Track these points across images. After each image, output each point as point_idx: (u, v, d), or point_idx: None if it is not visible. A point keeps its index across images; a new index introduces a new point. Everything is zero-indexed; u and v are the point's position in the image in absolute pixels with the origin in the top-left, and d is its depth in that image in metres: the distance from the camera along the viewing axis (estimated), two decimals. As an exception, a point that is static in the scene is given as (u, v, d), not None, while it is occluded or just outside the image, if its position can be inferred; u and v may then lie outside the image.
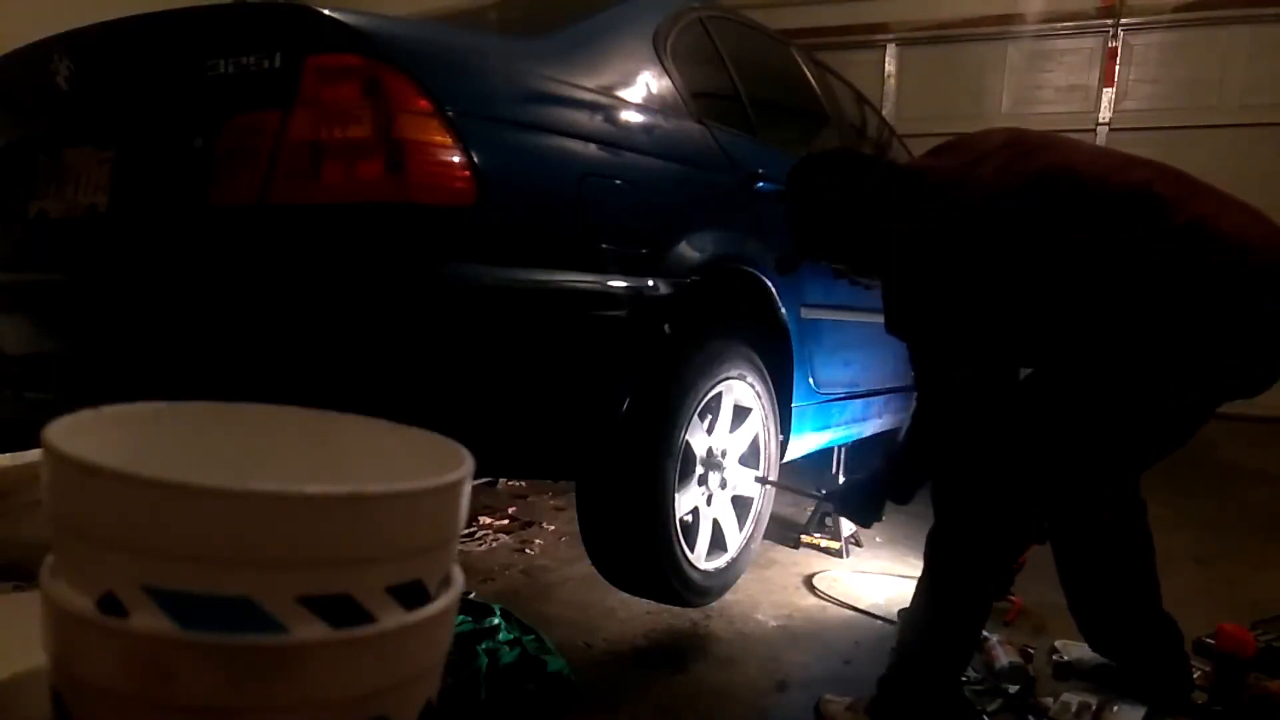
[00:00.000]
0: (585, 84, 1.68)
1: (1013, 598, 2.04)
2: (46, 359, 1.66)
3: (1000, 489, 1.38)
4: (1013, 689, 1.61)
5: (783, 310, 2.11)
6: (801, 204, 1.65)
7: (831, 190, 1.58)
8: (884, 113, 4.69)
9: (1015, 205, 1.36)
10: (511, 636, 1.52)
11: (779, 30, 2.95)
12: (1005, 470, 1.38)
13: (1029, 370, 1.48)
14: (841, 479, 2.54)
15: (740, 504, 2.13)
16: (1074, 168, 1.37)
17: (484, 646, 1.46)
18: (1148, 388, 1.31)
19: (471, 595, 1.69)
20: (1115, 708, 1.56)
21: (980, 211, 1.38)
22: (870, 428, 2.82)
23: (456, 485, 0.79)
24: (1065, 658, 1.75)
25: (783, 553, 2.50)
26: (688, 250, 1.78)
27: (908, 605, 1.52)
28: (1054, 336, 1.37)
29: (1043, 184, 1.36)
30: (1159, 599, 1.63)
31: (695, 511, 1.96)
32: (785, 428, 2.23)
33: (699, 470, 1.96)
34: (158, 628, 0.66)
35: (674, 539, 1.80)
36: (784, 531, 2.62)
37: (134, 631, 0.67)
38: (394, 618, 0.73)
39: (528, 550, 2.45)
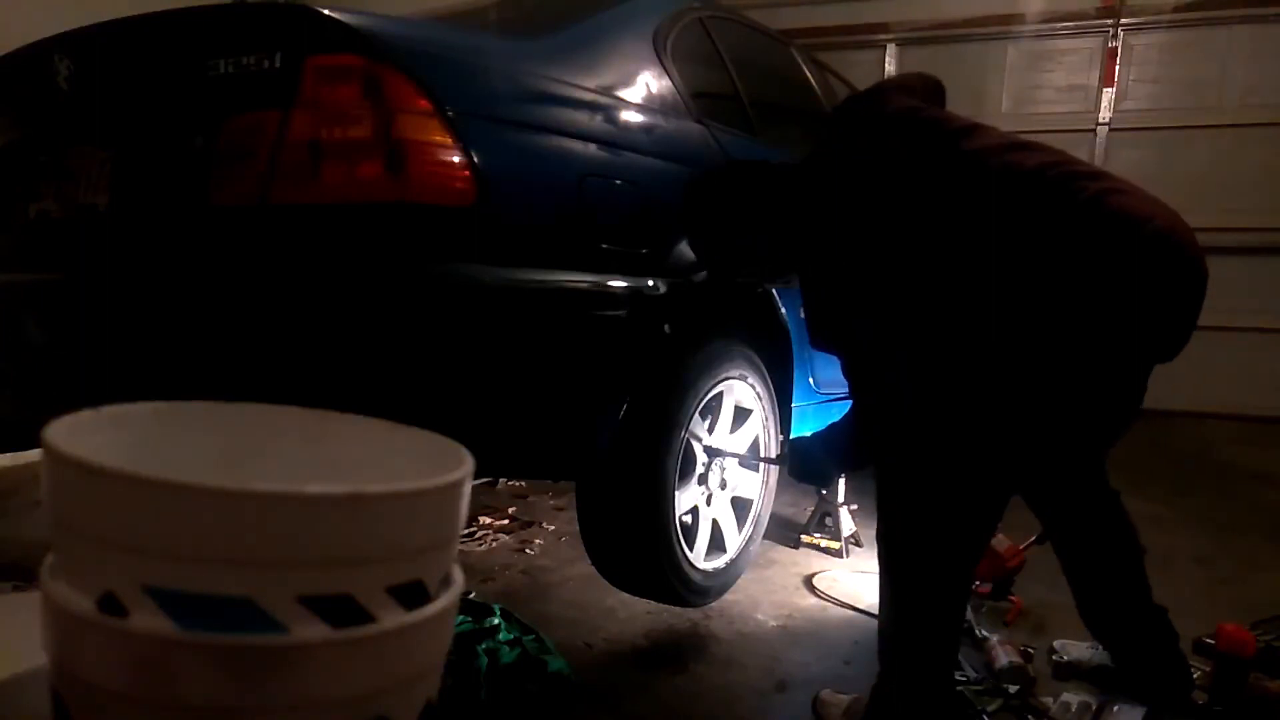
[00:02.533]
0: (585, 84, 1.68)
1: (1013, 598, 2.04)
2: (47, 359, 1.66)
3: (937, 482, 1.36)
4: (1013, 689, 1.61)
5: (782, 310, 2.12)
6: (715, 218, 1.64)
7: (750, 196, 1.59)
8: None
9: (932, 187, 1.38)
10: (511, 636, 1.52)
11: (779, 30, 2.95)
12: (942, 462, 1.36)
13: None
14: (842, 479, 2.54)
15: (740, 504, 2.13)
16: (984, 156, 1.40)
17: (484, 646, 1.46)
18: (1077, 367, 1.33)
19: (471, 595, 1.69)
20: (1115, 708, 1.56)
21: (899, 185, 1.39)
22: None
23: (456, 485, 0.79)
24: (1065, 658, 1.75)
25: (783, 553, 2.50)
26: (688, 250, 1.78)
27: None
28: (984, 318, 1.36)
29: (958, 171, 1.38)
30: (1148, 589, 1.64)
31: (695, 511, 1.96)
32: (785, 428, 2.23)
33: (699, 470, 1.96)
34: (158, 628, 0.66)
35: (674, 539, 1.80)
36: (784, 531, 2.62)
37: (134, 631, 0.67)
38: (394, 618, 0.73)
39: (528, 550, 2.45)
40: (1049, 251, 1.32)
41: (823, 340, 1.52)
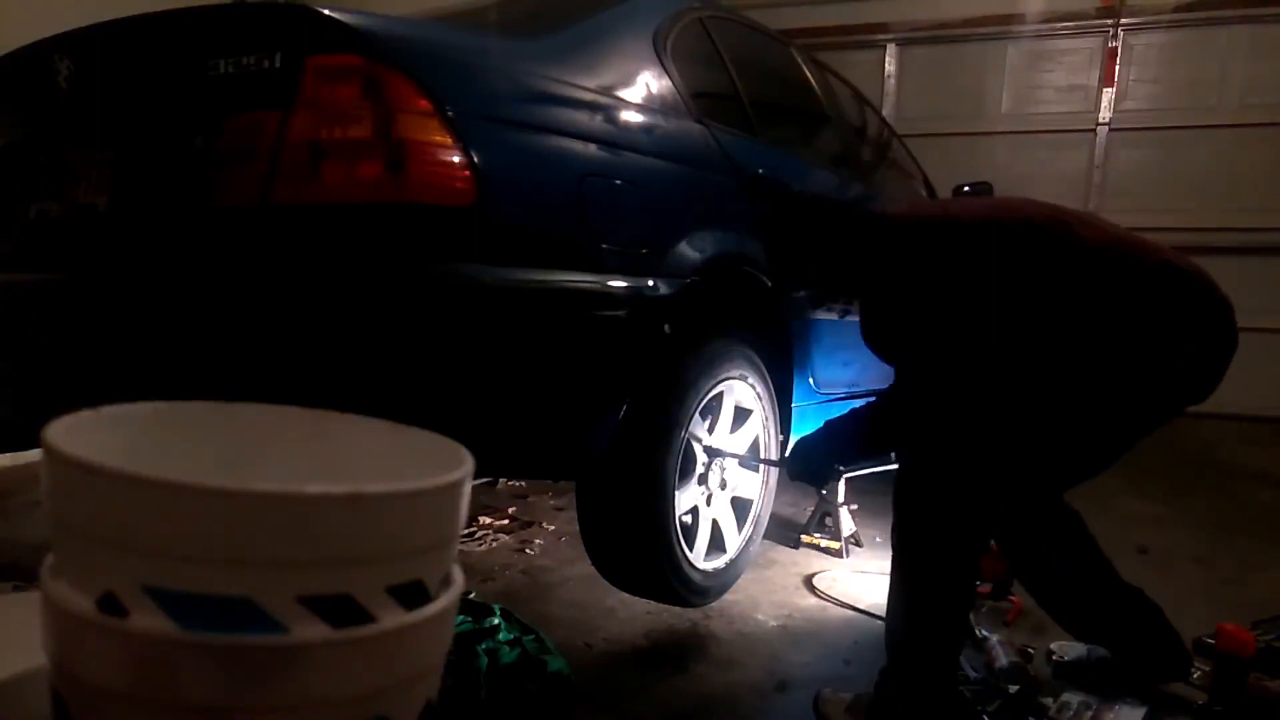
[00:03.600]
0: (585, 84, 1.68)
1: (1013, 598, 2.04)
2: (47, 359, 1.66)
3: (961, 483, 1.39)
4: (1013, 689, 1.61)
5: (783, 310, 2.11)
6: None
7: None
8: (884, 113, 4.69)
9: (963, 235, 1.50)
10: (511, 636, 1.52)
11: (779, 30, 2.95)
12: (967, 465, 1.40)
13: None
14: (842, 479, 2.54)
15: (740, 504, 2.13)
16: (1000, 211, 1.55)
17: (484, 646, 1.46)
18: (1103, 392, 1.40)
19: (471, 595, 1.69)
20: (1115, 708, 1.56)
21: (936, 233, 1.51)
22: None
23: (456, 485, 0.79)
24: (1065, 658, 1.75)
25: (783, 553, 2.50)
26: (688, 250, 1.78)
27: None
28: (1008, 351, 1.45)
29: (984, 219, 1.52)
30: (1114, 573, 1.64)
31: (695, 511, 1.96)
32: (785, 428, 2.23)
33: (699, 470, 1.96)
34: (158, 628, 0.66)
35: (674, 539, 1.80)
36: (784, 531, 2.62)
37: (134, 631, 0.67)
38: (394, 618, 0.73)
39: (528, 550, 2.45)
40: (1071, 289, 1.41)
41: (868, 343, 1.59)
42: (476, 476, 0.86)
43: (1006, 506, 1.56)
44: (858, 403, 2.56)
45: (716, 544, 2.04)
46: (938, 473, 1.41)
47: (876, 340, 1.56)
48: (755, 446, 2.14)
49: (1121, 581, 1.64)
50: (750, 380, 2.05)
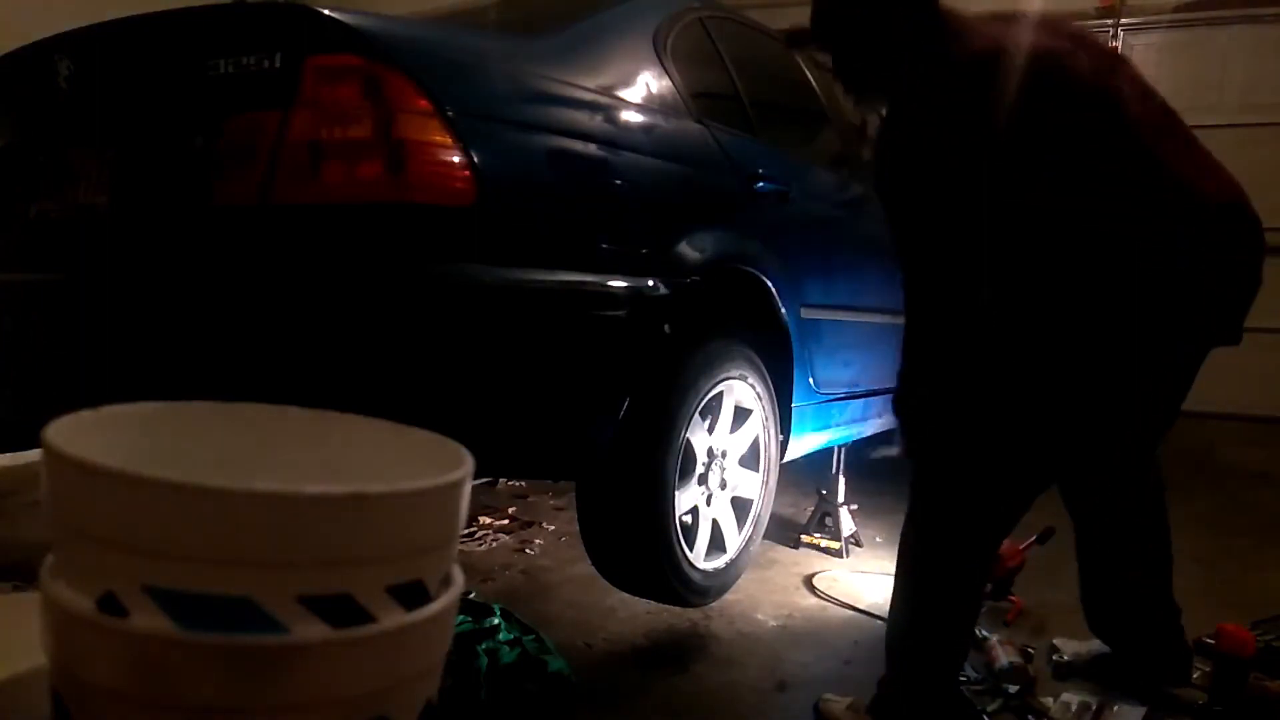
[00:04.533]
0: (585, 84, 1.68)
1: (1013, 598, 2.04)
2: (47, 359, 1.66)
3: (975, 477, 1.37)
4: (1013, 689, 1.61)
5: (783, 310, 2.11)
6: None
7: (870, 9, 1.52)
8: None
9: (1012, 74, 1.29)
10: (511, 636, 1.52)
11: (779, 30, 2.95)
12: (981, 457, 1.36)
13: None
14: (842, 479, 2.54)
15: (740, 504, 2.13)
16: (1067, 58, 1.34)
17: (484, 646, 1.46)
18: (1118, 354, 1.31)
19: (471, 595, 1.69)
20: (1115, 708, 1.56)
21: (982, 66, 1.32)
22: (870, 428, 2.82)
23: (456, 485, 0.79)
24: (1065, 658, 1.75)
25: (783, 553, 2.50)
26: (688, 250, 1.78)
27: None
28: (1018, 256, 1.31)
29: (1038, 63, 1.31)
30: (1170, 584, 1.62)
31: (695, 511, 1.96)
32: (785, 428, 2.23)
33: (699, 470, 1.96)
34: (158, 628, 0.66)
35: (674, 539, 1.80)
36: (784, 531, 2.62)
37: (134, 631, 0.67)
38: (394, 618, 0.73)
39: (528, 550, 2.45)
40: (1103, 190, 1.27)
41: (883, 191, 1.45)
42: (477, 476, 0.86)
43: (1088, 468, 1.49)
44: (858, 403, 2.56)
45: (716, 544, 2.04)
46: (962, 449, 1.36)
47: (896, 182, 1.40)
48: (755, 446, 2.14)
49: (1170, 596, 1.62)
50: (750, 380, 2.05)
